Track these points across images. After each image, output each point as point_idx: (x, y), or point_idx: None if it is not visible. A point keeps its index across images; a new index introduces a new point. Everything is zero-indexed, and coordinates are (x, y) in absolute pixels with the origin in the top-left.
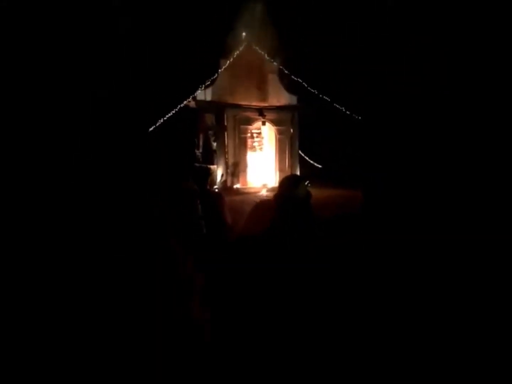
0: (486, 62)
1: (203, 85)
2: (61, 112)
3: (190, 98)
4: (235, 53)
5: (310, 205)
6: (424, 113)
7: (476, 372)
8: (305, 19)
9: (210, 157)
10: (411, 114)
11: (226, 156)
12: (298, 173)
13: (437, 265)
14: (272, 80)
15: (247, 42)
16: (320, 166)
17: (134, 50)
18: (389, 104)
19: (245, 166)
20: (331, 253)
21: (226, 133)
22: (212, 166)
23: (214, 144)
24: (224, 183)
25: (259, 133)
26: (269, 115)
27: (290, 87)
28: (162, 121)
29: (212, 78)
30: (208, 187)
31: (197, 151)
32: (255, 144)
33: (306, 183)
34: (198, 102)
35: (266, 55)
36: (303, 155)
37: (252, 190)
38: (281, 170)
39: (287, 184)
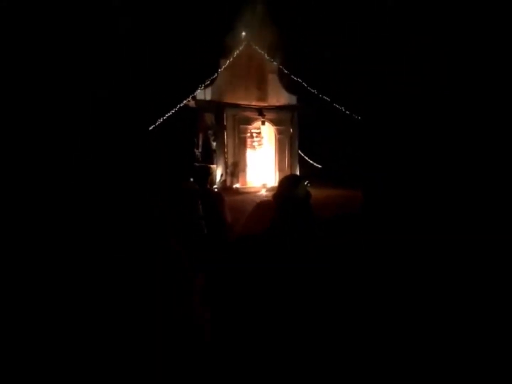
0: (486, 62)
1: (203, 85)
2: (61, 112)
3: (190, 98)
4: (235, 53)
5: (310, 205)
6: (424, 113)
7: (476, 372)
8: (305, 19)
9: (209, 157)
10: (411, 114)
11: (226, 156)
12: (297, 173)
13: (437, 265)
14: (272, 79)
15: (246, 42)
16: (319, 166)
17: (134, 50)
18: (389, 104)
19: (245, 165)
20: (331, 253)
21: (225, 133)
22: (211, 166)
23: (214, 143)
24: (223, 182)
25: (259, 133)
26: (269, 115)
27: (290, 87)
28: (162, 120)
29: (211, 78)
30: (208, 186)
31: (196, 151)
32: (255, 143)
33: (305, 183)
34: (197, 101)
35: (266, 55)
36: (302, 155)
37: (252, 190)
38: (280, 170)
39: (287, 184)
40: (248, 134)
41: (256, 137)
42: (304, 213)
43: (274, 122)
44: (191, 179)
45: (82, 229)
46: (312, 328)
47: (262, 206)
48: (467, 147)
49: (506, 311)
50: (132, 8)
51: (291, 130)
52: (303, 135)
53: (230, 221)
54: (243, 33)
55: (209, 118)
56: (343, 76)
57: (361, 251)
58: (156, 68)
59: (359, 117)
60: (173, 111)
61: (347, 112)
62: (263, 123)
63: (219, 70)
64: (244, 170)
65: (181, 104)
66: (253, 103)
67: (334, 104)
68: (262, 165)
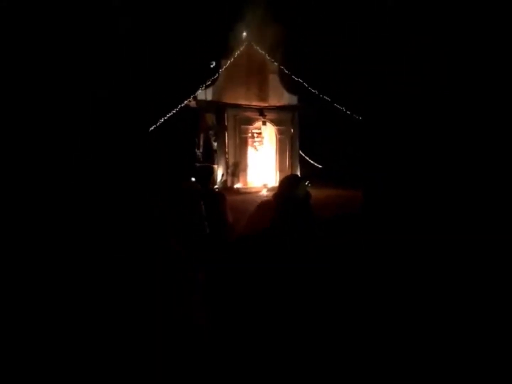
0: (486, 62)
1: (204, 85)
2: (62, 112)
3: (191, 98)
4: (236, 53)
5: (310, 205)
6: (424, 113)
7: (476, 372)
8: (305, 19)
9: (210, 157)
10: (411, 114)
11: (227, 156)
12: (298, 173)
13: (437, 265)
14: (273, 80)
15: (247, 42)
16: (320, 166)
17: (134, 50)
18: (390, 104)
19: (246, 166)
20: (331, 253)
21: (226, 133)
22: (213, 166)
23: (215, 144)
24: (224, 182)
25: (260, 133)
26: (270, 115)
27: (291, 87)
28: (163, 120)
29: (212, 78)
30: (210, 186)
31: (197, 151)
32: (256, 144)
33: (306, 183)
34: (198, 102)
35: (266, 55)
36: (303, 155)
37: (253, 190)
38: (281, 170)
39: (287, 184)
40: (249, 134)
41: (257, 137)
42: (304, 213)
43: (275, 122)
44: (193, 179)
45: (82, 229)
46: (312, 328)
47: (264, 206)
48: (467, 147)
49: (506, 311)
50: (132, 8)
51: (292, 130)
52: (303, 135)
53: (232, 221)
54: (244, 34)
55: (210, 118)
56: (344, 76)
57: (361, 251)
58: (156, 68)
59: (360, 117)
60: (174, 111)
61: (347, 112)
62: (264, 123)
63: (220, 70)
64: (245, 170)
65: (182, 105)
66: (254, 104)
67: (335, 104)
68: (263, 165)
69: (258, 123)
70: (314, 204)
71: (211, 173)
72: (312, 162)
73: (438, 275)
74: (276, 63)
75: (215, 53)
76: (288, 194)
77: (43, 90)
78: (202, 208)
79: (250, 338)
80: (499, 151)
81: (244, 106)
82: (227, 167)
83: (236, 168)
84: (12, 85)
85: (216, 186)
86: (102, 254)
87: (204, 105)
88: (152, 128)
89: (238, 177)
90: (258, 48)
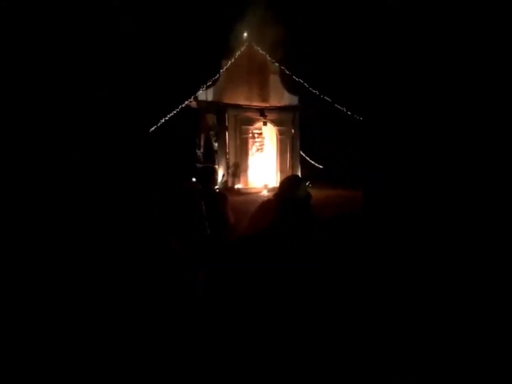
0: (486, 62)
1: (205, 86)
2: (62, 112)
3: (192, 98)
4: (237, 54)
5: (310, 205)
6: (424, 113)
7: (476, 372)
8: (306, 19)
9: (211, 157)
10: (411, 114)
11: (227, 156)
12: (299, 173)
13: (437, 265)
14: (273, 80)
15: (248, 42)
16: (321, 166)
17: (135, 50)
18: (390, 105)
19: (246, 166)
20: (331, 253)
21: (227, 133)
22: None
23: (215, 144)
24: (225, 183)
25: (260, 134)
26: (270, 116)
27: (291, 87)
28: (163, 121)
29: (213, 79)
30: (211, 186)
31: (198, 151)
32: (256, 144)
33: (307, 184)
34: (199, 102)
35: (267, 55)
36: (304, 155)
37: (253, 191)
38: (282, 170)
39: (288, 184)
40: (250, 135)
41: (258, 137)
42: (305, 213)
43: (275, 122)
44: (194, 179)
45: (82, 229)
46: (312, 327)
47: (265, 206)
48: (467, 147)
49: (506, 311)
50: (132, 8)
51: (293, 130)
52: (304, 136)
53: (233, 221)
54: (245, 34)
55: (211, 118)
56: (344, 77)
57: (361, 251)
58: (157, 69)
59: (360, 118)
60: (174, 112)
61: (348, 112)
62: (264, 123)
63: (221, 70)
64: (245, 171)
65: (183, 105)
66: (255, 104)
67: (335, 105)
68: (263, 165)
69: (259, 124)
70: (314, 204)
71: (213, 173)
72: (312, 162)
73: (438, 275)
74: (276, 64)
75: (215, 54)
76: (289, 194)
77: (43, 90)
78: (202, 208)
79: (250, 338)
80: (499, 151)
81: (244, 106)
82: (227, 167)
83: (237, 169)
84: (12, 85)
85: (216, 187)
86: (102, 254)
87: (205, 106)
88: (152, 128)
89: (238, 177)
90: (258, 48)
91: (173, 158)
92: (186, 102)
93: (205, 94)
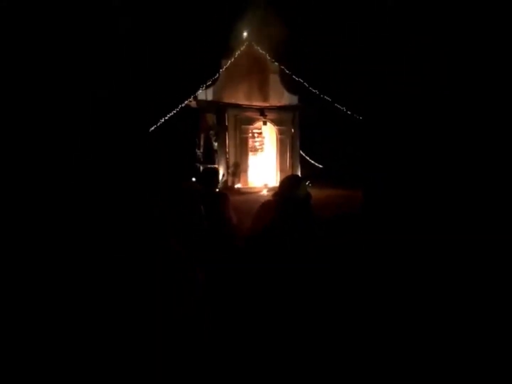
0: (486, 62)
1: (204, 85)
2: (62, 112)
3: (191, 98)
4: (236, 53)
5: (310, 205)
6: (424, 113)
7: (476, 372)
8: (306, 19)
9: (211, 157)
10: (411, 114)
11: (227, 156)
12: (299, 173)
13: (437, 265)
14: (273, 80)
15: (248, 42)
16: (321, 166)
17: (134, 50)
18: (390, 104)
19: (246, 166)
20: (331, 253)
21: (227, 133)
22: (213, 166)
23: (215, 144)
24: (224, 183)
25: (260, 133)
26: (270, 115)
27: (291, 87)
28: (163, 121)
29: (213, 78)
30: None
31: (198, 151)
32: (256, 144)
33: (307, 183)
34: (199, 102)
35: (267, 55)
36: (304, 155)
37: (253, 190)
38: (282, 170)
39: (288, 184)
40: (250, 135)
41: (258, 137)
42: (305, 213)
43: (275, 122)
44: (194, 179)
45: (82, 229)
46: (312, 327)
47: (266, 206)
48: (467, 147)
49: (506, 311)
50: (132, 8)
51: (293, 130)
52: (304, 135)
53: (236, 222)
54: (245, 33)
55: (211, 118)
56: (344, 76)
57: (361, 251)
58: (157, 68)
59: (360, 117)
60: (174, 112)
61: (348, 112)
62: (264, 123)
63: (221, 70)
64: (245, 170)
65: (183, 105)
66: (255, 104)
67: (335, 104)
68: (263, 165)
69: (259, 123)
70: (314, 204)
71: (216, 175)
72: (312, 162)
73: (438, 275)
74: (276, 63)
75: (215, 53)
76: (289, 194)
77: (43, 90)
78: (201, 208)
79: (250, 338)
80: (499, 151)
81: (244, 106)
82: (227, 167)
83: (237, 168)
84: (12, 85)
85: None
86: (102, 254)
87: (205, 105)
88: (152, 128)
89: (238, 177)
90: (258, 48)
91: (173, 158)
92: (185, 102)
93: (204, 94)
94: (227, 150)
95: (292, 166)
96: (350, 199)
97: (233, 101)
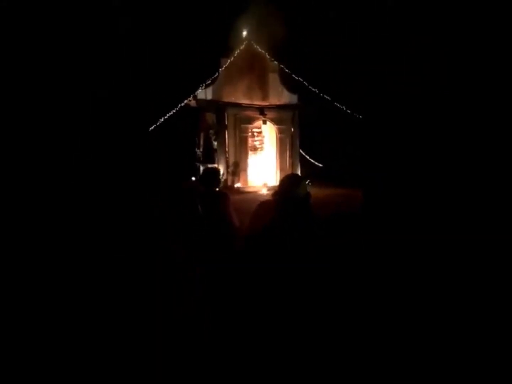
0: (486, 62)
1: (204, 84)
2: (62, 112)
3: (191, 97)
4: (236, 52)
5: (310, 204)
6: (424, 113)
7: (476, 372)
8: (305, 18)
9: (210, 156)
10: (411, 113)
11: (227, 155)
12: (299, 172)
13: (437, 265)
14: (273, 79)
15: (247, 41)
16: (320, 165)
17: (134, 49)
18: (390, 104)
19: (246, 165)
20: (331, 253)
21: (226, 132)
22: (214, 166)
23: (215, 143)
24: (224, 182)
25: (260, 132)
26: (270, 114)
27: (291, 86)
28: (163, 120)
29: (212, 77)
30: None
31: (197, 150)
32: (256, 143)
33: (307, 182)
34: (198, 101)
35: (267, 54)
36: (303, 154)
37: (253, 189)
38: (281, 169)
39: (288, 183)
40: (249, 134)
41: (257, 136)
42: (304, 212)
43: (275, 121)
44: (193, 178)
45: (82, 229)
46: (312, 327)
47: (265, 206)
48: (467, 147)
49: (506, 311)
50: (132, 8)
51: (292, 129)
52: (304, 134)
53: (238, 224)
54: (244, 32)
55: (210, 117)
56: (344, 76)
57: (361, 251)
58: (156, 68)
59: (360, 116)
60: (174, 111)
61: (348, 111)
62: (264, 122)
63: (220, 69)
64: (245, 170)
65: (182, 104)
66: (254, 103)
67: (335, 103)
68: (263, 164)
69: (258, 122)
70: (314, 203)
71: (217, 175)
72: (312, 161)
73: (437, 275)
74: (276, 62)
75: (215, 52)
76: (289, 193)
77: (43, 90)
78: (199, 208)
79: (250, 338)
80: (498, 151)
81: (244, 105)
82: (227, 166)
83: (236, 168)
84: (12, 85)
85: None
86: (102, 254)
87: (204, 104)
88: (152, 127)
89: (238, 176)
90: (258, 47)
91: (173, 157)
92: (185, 101)
93: (204, 93)
94: (226, 149)
95: (292, 165)
96: (349, 198)
97: (232, 100)
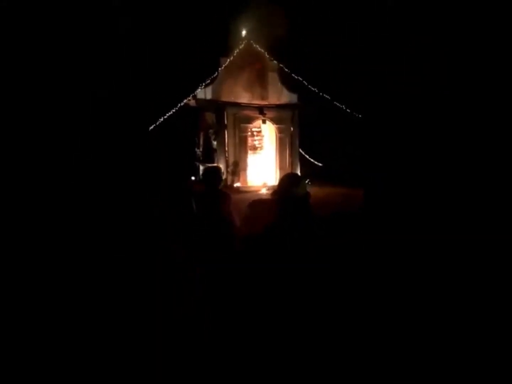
0: (486, 62)
1: (203, 84)
2: (62, 112)
3: (190, 97)
4: (235, 52)
5: (309, 204)
6: (424, 112)
7: (476, 372)
8: (305, 17)
9: (210, 156)
10: (411, 113)
11: (226, 155)
12: (298, 171)
13: (437, 265)
14: (272, 78)
15: (247, 40)
16: (320, 164)
17: (134, 49)
18: (389, 104)
19: (245, 164)
20: (331, 253)
21: (226, 132)
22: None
23: (214, 142)
24: (224, 181)
25: (259, 132)
26: (270, 114)
27: (290, 85)
28: (162, 120)
29: (212, 77)
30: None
31: (197, 150)
32: (256, 142)
33: (306, 182)
34: (198, 100)
35: (266, 53)
36: (303, 153)
37: (252, 189)
38: (281, 168)
39: (287, 182)
40: (249, 133)
41: (257, 136)
42: (304, 212)
43: (274, 120)
44: (193, 178)
45: (82, 229)
46: (312, 327)
47: (255, 205)
48: (467, 147)
49: (506, 311)
50: (132, 8)
51: (292, 128)
52: (303, 134)
53: (239, 224)
54: (244, 32)
55: (210, 117)
56: (344, 75)
57: (361, 251)
58: (156, 68)
59: (360, 116)
60: (173, 111)
61: (347, 110)
62: (263, 122)
63: (220, 69)
64: (244, 169)
65: (182, 103)
66: (254, 102)
67: (335, 103)
68: (262, 164)
69: (258, 122)
70: (313, 203)
71: (220, 173)
72: (312, 160)
73: (437, 275)
74: (275, 61)
75: (214, 51)
76: (288, 192)
77: (43, 90)
78: (193, 207)
79: (250, 338)
80: (498, 151)
81: (243, 104)
82: (227, 166)
83: (236, 167)
84: (12, 85)
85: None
86: (102, 254)
87: (204, 104)
88: (152, 127)
89: (238, 176)
90: (257, 46)
91: (173, 157)
92: (185, 101)
93: (204, 93)
94: (226, 149)
95: (292, 164)
96: (349, 198)
97: (232, 99)
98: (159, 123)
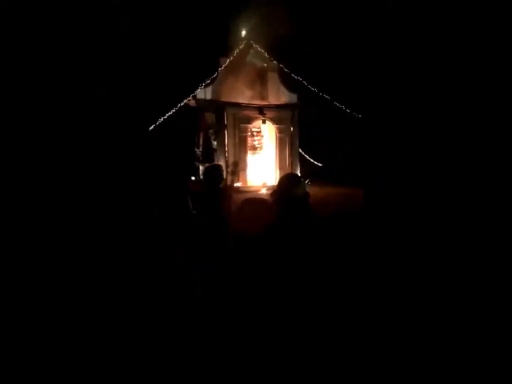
0: (486, 62)
1: (203, 84)
2: (61, 112)
3: (190, 97)
4: (235, 52)
5: (309, 204)
6: (424, 112)
7: (476, 372)
8: (305, 17)
9: (210, 156)
10: (411, 113)
11: (226, 155)
12: (298, 171)
13: (436, 264)
14: (272, 78)
15: (247, 40)
16: (320, 164)
17: (134, 49)
18: (389, 103)
19: (245, 165)
20: (331, 253)
21: (226, 132)
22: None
23: (214, 142)
24: (223, 181)
25: (259, 132)
26: (269, 114)
27: (290, 85)
28: (162, 120)
29: (212, 77)
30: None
31: (197, 150)
32: (255, 142)
33: (306, 182)
34: (198, 101)
35: (266, 53)
36: (303, 153)
37: (252, 189)
38: (281, 168)
39: (287, 182)
40: (249, 133)
41: (257, 136)
42: (304, 212)
43: (274, 121)
44: (193, 179)
45: (82, 229)
46: (312, 327)
47: (249, 203)
48: (467, 147)
49: (506, 311)
50: (132, 8)
51: (292, 128)
52: (303, 134)
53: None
54: (244, 32)
55: (210, 117)
56: (344, 75)
57: (361, 251)
58: (156, 68)
59: (360, 116)
60: (173, 111)
61: (347, 110)
62: (263, 122)
63: (219, 69)
64: (244, 169)
65: (182, 104)
66: (254, 102)
67: (335, 103)
68: (262, 164)
69: (258, 122)
70: (313, 203)
71: (221, 172)
72: (312, 160)
73: (437, 275)
74: (275, 62)
75: (214, 52)
76: (287, 192)
77: (42, 90)
78: (189, 204)
79: (250, 338)
80: (499, 151)
81: (243, 104)
82: (226, 166)
83: (236, 167)
84: (11, 85)
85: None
86: (102, 254)
87: (204, 104)
88: (151, 127)
89: (237, 176)
90: (257, 46)
91: (173, 157)
92: (185, 101)
93: (203, 93)
94: (226, 149)
95: (292, 164)
96: (349, 198)
97: (232, 99)
98: (159, 123)
